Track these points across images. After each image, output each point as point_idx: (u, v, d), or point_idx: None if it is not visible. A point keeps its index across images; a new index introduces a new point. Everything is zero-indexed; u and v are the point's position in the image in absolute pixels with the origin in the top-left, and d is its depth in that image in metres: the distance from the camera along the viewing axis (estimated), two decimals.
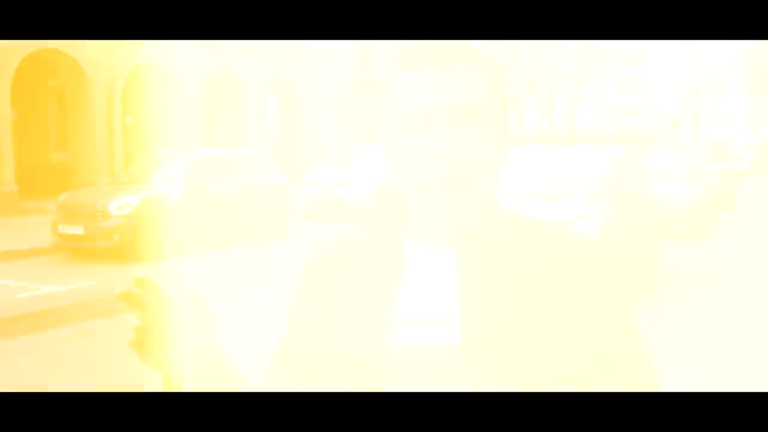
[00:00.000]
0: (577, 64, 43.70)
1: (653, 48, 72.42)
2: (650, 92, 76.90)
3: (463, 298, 1.00)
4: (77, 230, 10.20)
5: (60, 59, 16.09)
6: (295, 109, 24.42)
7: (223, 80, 21.41)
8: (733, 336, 6.20)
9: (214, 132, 23.76)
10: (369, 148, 19.45)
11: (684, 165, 13.72)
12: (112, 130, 17.00)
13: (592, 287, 1.03)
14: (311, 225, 14.49)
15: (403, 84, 1.01)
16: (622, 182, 8.06)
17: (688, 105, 74.84)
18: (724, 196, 16.36)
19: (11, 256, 10.42)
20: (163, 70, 18.72)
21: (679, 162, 13.98)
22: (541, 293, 1.01)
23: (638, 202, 8.10)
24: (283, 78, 23.53)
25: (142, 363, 1.03)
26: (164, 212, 10.62)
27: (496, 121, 1.03)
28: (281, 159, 24.69)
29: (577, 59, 43.83)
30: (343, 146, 24.91)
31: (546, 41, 39.12)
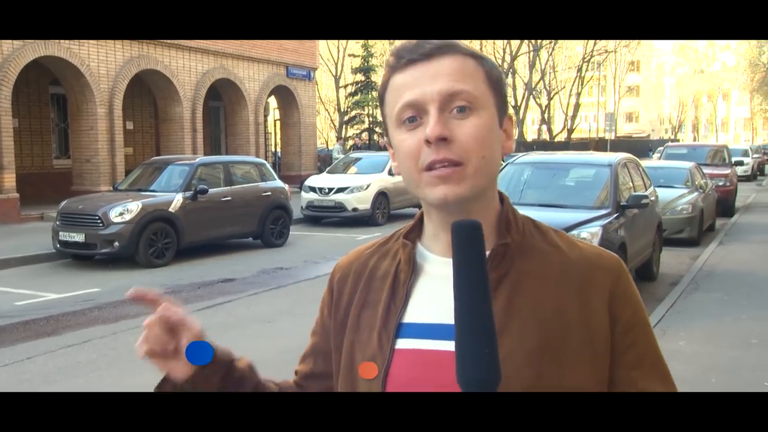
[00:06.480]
0: (576, 70, 43.75)
1: (653, 54, 72.46)
2: (650, 98, 76.93)
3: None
4: (78, 238, 10.21)
5: (61, 67, 16.12)
6: (296, 114, 24.47)
7: (225, 87, 21.46)
8: (733, 340, 6.20)
9: (215, 138, 23.81)
10: (370, 153, 19.50)
11: (684, 170, 13.74)
12: (113, 138, 17.02)
13: (605, 298, 1.04)
14: (312, 231, 14.49)
15: (397, 84, 1.05)
16: (622, 188, 8.07)
17: (688, 110, 74.84)
18: (724, 202, 16.35)
19: (12, 264, 10.43)
20: (164, 78, 18.76)
21: (679, 167, 13.99)
22: (553, 303, 1.02)
23: (639, 208, 8.10)
24: (284, 83, 23.59)
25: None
26: (165, 219, 10.63)
27: (488, 108, 1.03)
28: (282, 165, 24.76)
29: (577, 65, 43.89)
30: (344, 152, 24.91)
31: (546, 48, 39.19)
